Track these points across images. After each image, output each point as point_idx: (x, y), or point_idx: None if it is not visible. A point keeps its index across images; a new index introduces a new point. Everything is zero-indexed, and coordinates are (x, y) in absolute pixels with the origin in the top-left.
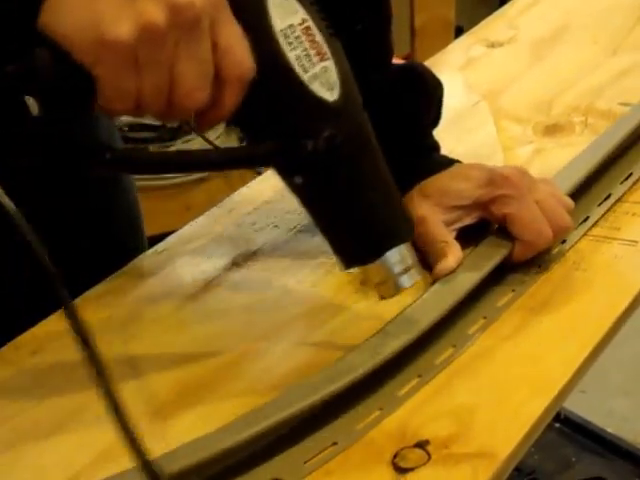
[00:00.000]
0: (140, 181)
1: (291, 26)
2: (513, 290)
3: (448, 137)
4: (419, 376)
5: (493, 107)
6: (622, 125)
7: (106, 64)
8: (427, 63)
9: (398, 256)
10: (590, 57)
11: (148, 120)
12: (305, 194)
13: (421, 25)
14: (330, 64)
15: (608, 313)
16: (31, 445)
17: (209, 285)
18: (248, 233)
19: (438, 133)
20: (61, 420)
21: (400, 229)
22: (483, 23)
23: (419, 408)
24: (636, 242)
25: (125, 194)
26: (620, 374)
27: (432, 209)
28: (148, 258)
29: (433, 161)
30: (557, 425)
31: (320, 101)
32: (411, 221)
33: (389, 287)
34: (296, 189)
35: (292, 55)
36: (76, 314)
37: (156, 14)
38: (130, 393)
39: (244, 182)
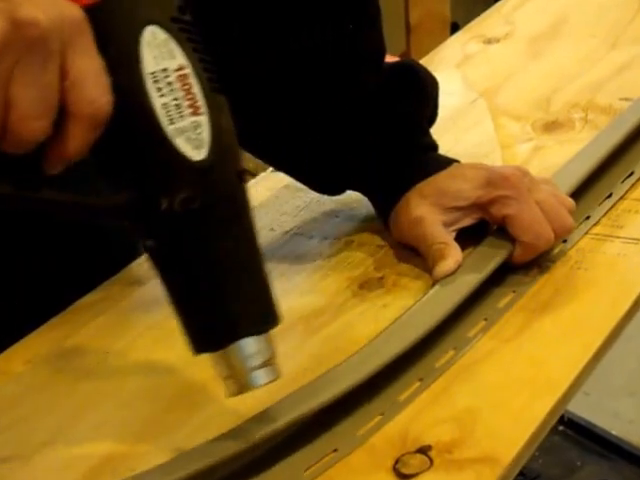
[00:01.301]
0: None
1: (164, 70)
2: (514, 291)
3: (445, 135)
4: (420, 380)
5: (491, 104)
6: (622, 121)
7: None
8: (423, 60)
9: (255, 347)
10: (589, 51)
11: None
12: (156, 259)
13: (416, 22)
14: (203, 120)
15: (612, 312)
16: (23, 457)
17: None
18: None
19: (435, 131)
20: (54, 431)
21: (260, 317)
22: (479, 19)
23: (420, 413)
24: (638, 240)
25: None
26: (624, 375)
27: (430, 210)
28: (140, 265)
29: (431, 161)
30: (561, 428)
31: (183, 158)
32: (276, 311)
33: (238, 382)
34: (148, 253)
35: (159, 102)
36: None
37: None
38: (123, 401)
39: None
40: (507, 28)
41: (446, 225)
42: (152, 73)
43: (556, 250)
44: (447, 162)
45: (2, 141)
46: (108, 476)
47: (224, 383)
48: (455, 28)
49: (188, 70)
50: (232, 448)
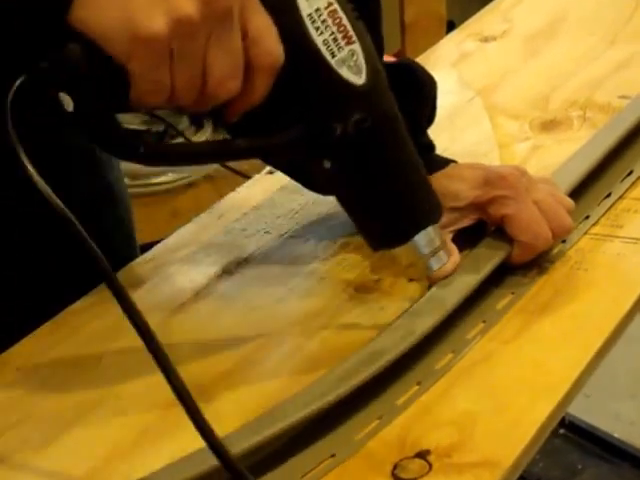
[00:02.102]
0: None
1: (317, 10)
2: (513, 292)
3: (442, 135)
4: (418, 383)
5: (488, 103)
6: (621, 120)
7: (140, 59)
8: (419, 59)
9: (426, 239)
10: (587, 49)
11: (134, 125)
12: (333, 178)
13: (411, 20)
14: (357, 47)
15: (612, 313)
16: (19, 462)
17: (198, 295)
18: (238, 240)
19: (432, 131)
20: (47, 438)
21: (428, 212)
22: (476, 17)
23: (419, 416)
24: (638, 239)
25: (118, 203)
26: (626, 376)
27: None
28: (135, 268)
29: (428, 161)
30: (562, 431)
31: (348, 85)
32: (439, 203)
33: (418, 269)
34: (324, 173)
35: (320, 39)
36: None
37: (189, 7)
38: (117, 407)
39: (232, 187)
40: (504, 26)
41: (444, 226)
42: (309, 15)
43: (555, 250)
44: (444, 162)
45: (199, 104)
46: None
47: (404, 271)
48: (451, 26)
49: (335, 5)
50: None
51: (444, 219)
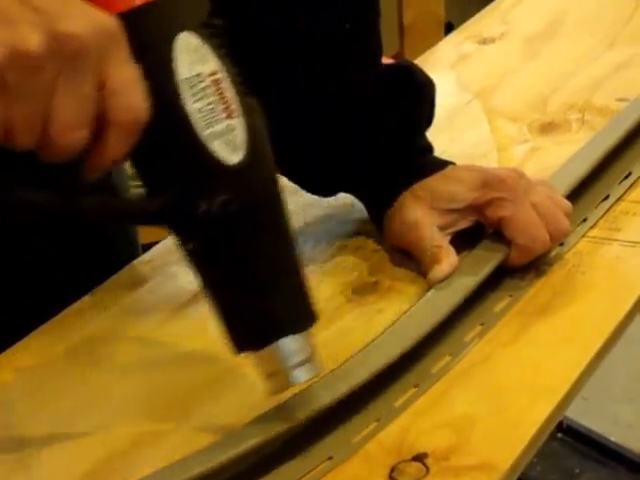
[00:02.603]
0: None
1: (199, 75)
2: (510, 295)
3: (440, 137)
4: (416, 386)
5: (486, 105)
6: (619, 122)
7: None
8: (417, 61)
9: (294, 346)
10: (586, 51)
11: None
12: (196, 262)
13: (410, 22)
14: (238, 123)
15: (610, 316)
16: (18, 462)
17: (197, 295)
18: None
19: (430, 133)
20: (45, 438)
21: (299, 316)
22: (474, 19)
23: (416, 419)
24: (637, 243)
25: None
26: (623, 379)
27: (425, 212)
28: (135, 268)
29: (426, 163)
30: (560, 435)
31: (219, 162)
32: (313, 310)
33: (279, 380)
34: (188, 256)
35: (194, 107)
36: None
37: (32, 40)
38: (116, 407)
39: None
40: (503, 28)
41: (441, 228)
42: (187, 79)
43: (553, 253)
44: (443, 164)
45: (43, 151)
46: None
47: (266, 381)
48: (449, 28)
49: (221, 74)
50: (226, 455)
51: (442, 221)
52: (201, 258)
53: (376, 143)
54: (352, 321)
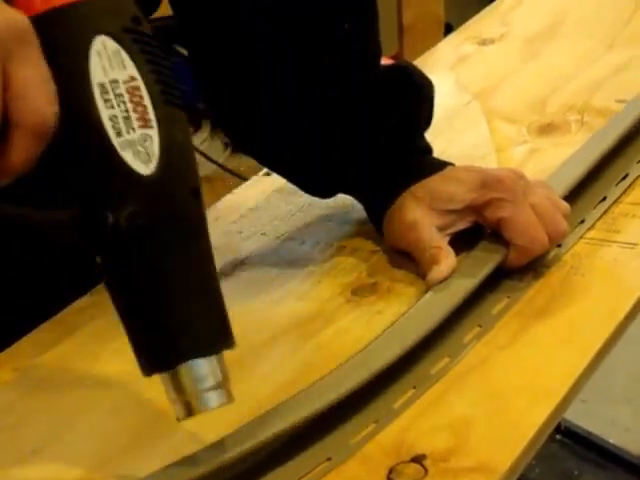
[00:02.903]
0: None
1: (114, 81)
2: (508, 297)
3: (439, 138)
4: (414, 387)
5: (485, 106)
6: (617, 123)
7: None
8: (416, 62)
9: (205, 369)
10: (585, 53)
11: None
12: (105, 277)
13: (409, 23)
14: (153, 133)
15: (609, 318)
16: (17, 462)
17: None
18: (235, 242)
19: (429, 134)
20: (43, 440)
21: (212, 337)
22: (474, 20)
23: (415, 421)
24: (635, 244)
25: None
26: (622, 381)
27: (424, 214)
28: None
29: (425, 163)
30: (558, 437)
31: (129, 171)
32: (226, 332)
33: (189, 404)
34: (97, 270)
35: (106, 113)
36: None
37: None
38: (112, 409)
39: (229, 189)
40: (502, 29)
41: (440, 229)
42: (101, 84)
43: (551, 255)
44: (442, 165)
45: None
46: None
47: (173, 405)
48: (449, 29)
49: (139, 82)
50: (224, 457)
51: (441, 222)
52: (109, 272)
53: (375, 144)
54: (351, 322)
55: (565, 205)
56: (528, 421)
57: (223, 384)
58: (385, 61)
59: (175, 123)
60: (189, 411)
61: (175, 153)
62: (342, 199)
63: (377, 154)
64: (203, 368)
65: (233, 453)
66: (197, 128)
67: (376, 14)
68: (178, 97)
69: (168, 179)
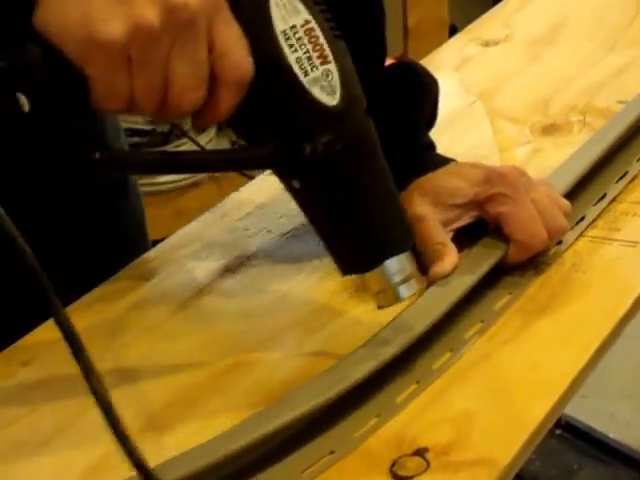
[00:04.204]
0: None
1: (293, 27)
2: (510, 293)
3: (443, 138)
4: (417, 382)
5: (489, 107)
6: (616, 123)
7: (98, 63)
8: (421, 63)
9: (398, 265)
10: (587, 55)
11: (139, 125)
12: (303, 198)
13: (414, 25)
14: (332, 68)
15: (609, 315)
16: (23, 457)
17: (201, 292)
18: (241, 239)
19: (433, 134)
20: (52, 432)
21: (400, 238)
22: (477, 22)
23: (417, 415)
24: (636, 243)
25: (130, 192)
26: (622, 378)
27: (431, 209)
28: (139, 265)
29: (429, 160)
30: (558, 431)
31: (320, 105)
32: (411, 230)
33: (388, 296)
34: (294, 193)
35: (293, 57)
36: (68, 322)
37: (150, 14)
38: (121, 401)
39: (235, 187)
40: (506, 31)
41: (445, 224)
42: (283, 31)
43: (551, 251)
44: (445, 161)
45: (162, 114)
46: (109, 476)
47: (375, 297)
48: (453, 31)
49: (312, 24)
50: (228, 450)
51: (445, 217)
52: (307, 195)
53: (380, 139)
54: (355, 317)
55: (565, 203)
56: (529, 416)
57: (413, 275)
58: (389, 62)
59: (345, 54)
60: (388, 301)
61: (351, 82)
62: None
63: (382, 150)
64: (397, 265)
65: (237, 446)
66: (203, 128)
67: (382, 15)
68: (338, 30)
69: (352, 106)
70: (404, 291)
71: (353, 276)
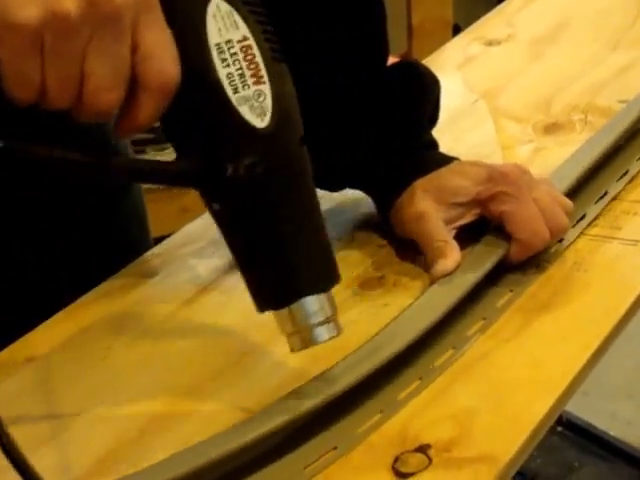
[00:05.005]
0: None
1: (229, 41)
2: (511, 290)
3: (446, 137)
4: (419, 379)
5: (492, 106)
6: (617, 122)
7: (8, 47)
8: (424, 62)
9: (317, 305)
10: (589, 54)
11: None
12: (222, 223)
13: (418, 24)
14: (266, 89)
15: (610, 314)
16: (28, 452)
17: (205, 289)
18: None
19: (436, 132)
20: (58, 426)
21: (322, 276)
22: (481, 21)
23: (420, 411)
24: (637, 242)
25: (131, 189)
26: (623, 376)
27: (433, 206)
28: (144, 262)
29: (432, 158)
30: (559, 429)
31: (247, 125)
32: (336, 270)
33: (302, 338)
34: (215, 216)
35: (224, 72)
36: None
37: (68, 3)
38: (124, 398)
39: None
40: (509, 30)
41: (447, 222)
42: (217, 44)
43: (552, 250)
44: (447, 159)
45: (77, 112)
46: (111, 472)
47: (288, 339)
48: (457, 30)
49: (251, 41)
50: (232, 445)
51: (447, 215)
52: (227, 218)
53: (383, 138)
54: (358, 315)
55: (567, 202)
56: (530, 413)
57: (333, 318)
58: (392, 60)
59: (283, 77)
60: (303, 344)
61: (286, 106)
62: (349, 194)
63: (385, 148)
64: (316, 304)
65: (241, 442)
66: (127, 136)
67: (383, 15)
68: (283, 53)
69: (281, 131)
70: (322, 333)
71: (268, 313)
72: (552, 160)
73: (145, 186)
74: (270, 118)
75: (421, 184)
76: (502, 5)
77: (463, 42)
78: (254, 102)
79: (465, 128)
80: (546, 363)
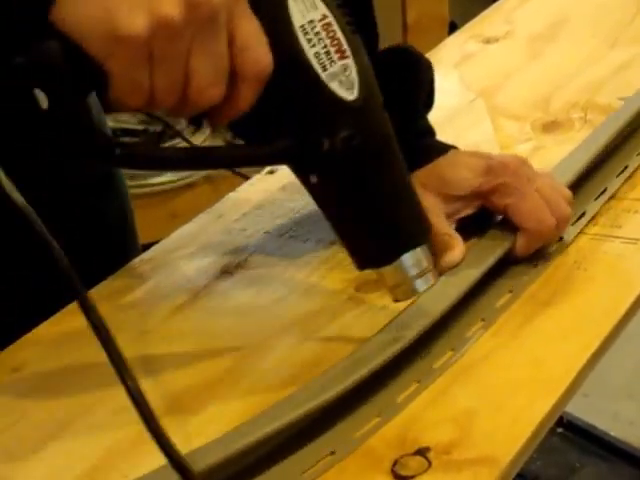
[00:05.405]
0: None
1: (311, 22)
2: (511, 291)
3: (444, 135)
4: (418, 381)
5: (490, 104)
6: (616, 118)
7: (118, 58)
8: None
9: (414, 259)
10: (588, 51)
11: (132, 125)
12: (320, 194)
13: (413, 21)
14: (350, 62)
15: (611, 313)
16: (17, 462)
17: (198, 295)
18: (238, 240)
19: None
20: (47, 436)
21: (416, 232)
22: (478, 18)
23: (418, 414)
24: (638, 240)
25: (119, 195)
26: (624, 376)
27: (434, 200)
28: (134, 268)
29: (429, 145)
30: (560, 430)
31: (339, 100)
32: (428, 223)
33: (404, 290)
34: (311, 188)
35: (311, 52)
36: (94, 307)
37: (172, 9)
38: (117, 405)
39: (231, 188)
40: (506, 28)
41: (448, 216)
42: (302, 26)
43: (552, 248)
44: (445, 148)
45: (181, 109)
46: (105, 477)
47: (390, 292)
48: (453, 28)
49: (330, 18)
50: (229, 451)
51: (448, 208)
52: (324, 190)
53: None
54: (354, 318)
55: (567, 191)
56: (530, 414)
57: (430, 268)
58: None
59: (361, 49)
60: (405, 295)
61: (368, 76)
62: None
63: None
64: (414, 258)
65: (237, 447)
66: (197, 127)
67: (370, 3)
68: (354, 25)
69: (370, 102)
70: (420, 285)
71: (369, 270)
72: (551, 158)
73: (133, 192)
74: (358, 90)
75: (420, 177)
76: (499, 2)
77: (460, 40)
78: (342, 77)
79: (463, 127)
80: (547, 362)
